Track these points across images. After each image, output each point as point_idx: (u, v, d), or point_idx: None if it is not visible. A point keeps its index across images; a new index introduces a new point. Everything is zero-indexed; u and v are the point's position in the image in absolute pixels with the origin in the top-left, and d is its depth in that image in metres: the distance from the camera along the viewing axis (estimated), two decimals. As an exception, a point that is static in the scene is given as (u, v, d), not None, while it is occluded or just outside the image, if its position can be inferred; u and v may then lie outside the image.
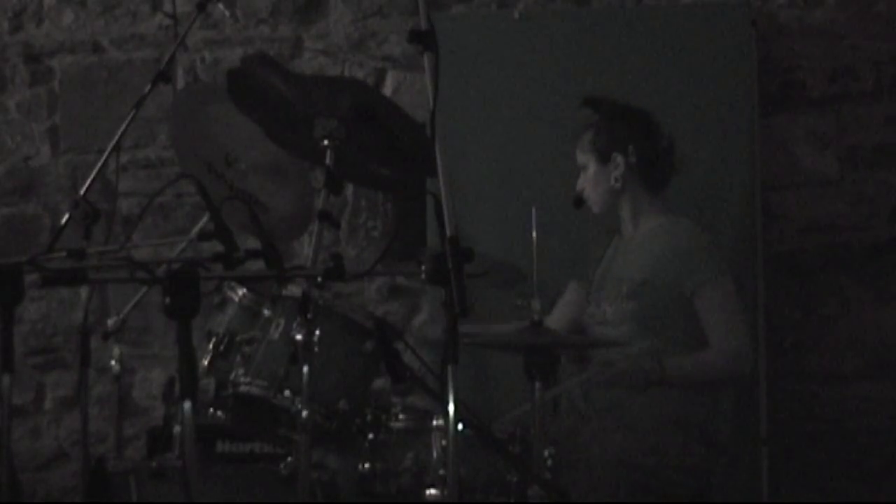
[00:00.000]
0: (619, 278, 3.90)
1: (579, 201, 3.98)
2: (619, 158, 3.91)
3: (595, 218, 4.05)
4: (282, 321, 3.22)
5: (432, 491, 3.26)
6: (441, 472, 3.24)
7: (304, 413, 2.95)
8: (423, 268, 2.58)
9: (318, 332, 3.01)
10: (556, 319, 4.07)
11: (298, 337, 2.99)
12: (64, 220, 3.34)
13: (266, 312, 3.28)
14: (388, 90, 4.97)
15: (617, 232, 4.05)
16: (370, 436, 3.32)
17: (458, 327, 2.53)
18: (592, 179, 3.94)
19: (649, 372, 3.69)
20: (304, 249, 4.62)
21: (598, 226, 4.11)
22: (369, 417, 3.33)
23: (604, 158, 3.92)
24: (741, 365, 3.81)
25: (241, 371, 3.25)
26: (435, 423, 3.31)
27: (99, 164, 3.45)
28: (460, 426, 2.86)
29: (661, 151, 3.95)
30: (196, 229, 3.62)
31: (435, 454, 3.29)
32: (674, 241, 3.87)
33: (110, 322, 3.72)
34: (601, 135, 3.93)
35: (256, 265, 2.66)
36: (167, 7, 5.07)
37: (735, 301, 3.85)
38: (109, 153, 3.45)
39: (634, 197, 3.96)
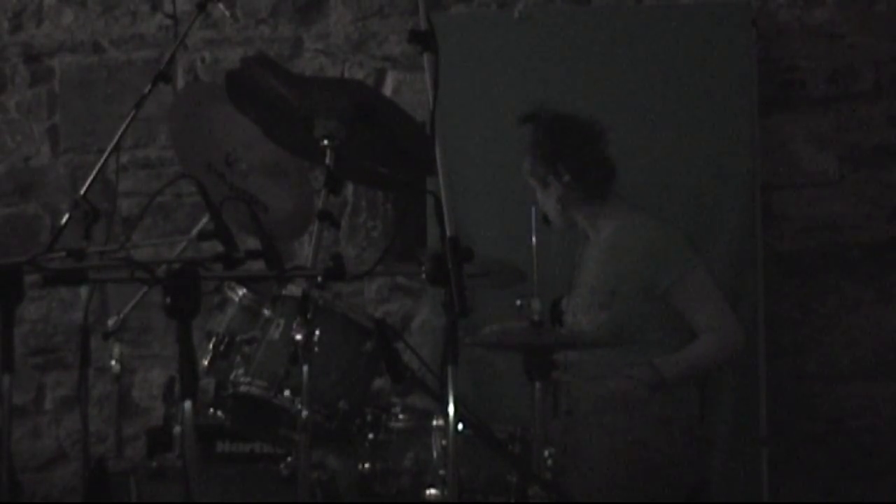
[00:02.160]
0: (590, 287, 3.91)
1: (545, 219, 3.99)
2: (553, 181, 3.93)
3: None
4: (282, 321, 3.22)
5: (432, 491, 3.26)
6: (441, 472, 3.24)
7: (304, 413, 2.95)
8: (423, 268, 2.58)
9: (318, 332, 3.01)
10: None
11: (298, 337, 2.99)
12: (64, 220, 3.33)
13: (266, 312, 3.28)
14: (388, 90, 4.97)
15: (585, 237, 4.06)
16: (370, 436, 3.33)
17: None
18: (542, 202, 3.95)
19: (651, 383, 3.73)
20: (304, 249, 4.62)
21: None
22: (369, 417, 3.33)
23: (543, 183, 3.94)
24: (734, 345, 3.85)
25: (241, 371, 3.25)
26: (435, 423, 3.32)
27: (99, 164, 3.44)
28: (460, 426, 2.87)
29: (593, 161, 3.94)
30: (196, 229, 3.62)
31: (435, 454, 3.29)
32: (637, 242, 3.88)
33: (110, 322, 3.71)
34: (535, 159, 3.95)
35: (256, 265, 2.66)
36: (167, 7, 5.07)
37: (712, 285, 3.87)
38: (109, 153, 3.44)
39: (584, 209, 3.97)
